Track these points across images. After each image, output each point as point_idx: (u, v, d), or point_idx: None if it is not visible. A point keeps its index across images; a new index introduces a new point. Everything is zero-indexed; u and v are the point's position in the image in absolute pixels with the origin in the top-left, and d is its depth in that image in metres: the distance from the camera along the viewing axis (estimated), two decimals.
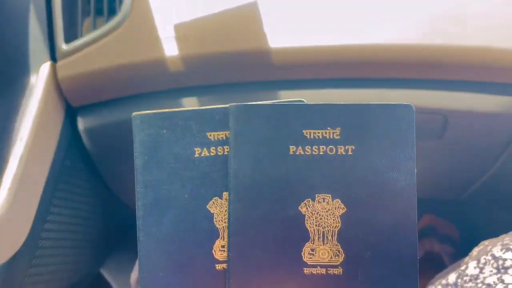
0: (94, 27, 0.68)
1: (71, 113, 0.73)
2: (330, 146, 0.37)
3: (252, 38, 0.62)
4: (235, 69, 0.65)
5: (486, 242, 0.54)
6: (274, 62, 0.63)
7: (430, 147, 0.73)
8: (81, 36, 0.68)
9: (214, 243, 0.38)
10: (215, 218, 0.38)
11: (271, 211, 0.37)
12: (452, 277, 0.54)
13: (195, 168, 0.38)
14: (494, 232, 0.59)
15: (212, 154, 0.38)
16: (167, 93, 0.70)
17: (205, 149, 0.38)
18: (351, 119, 0.37)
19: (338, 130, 0.37)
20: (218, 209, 0.38)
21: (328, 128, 0.37)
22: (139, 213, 0.38)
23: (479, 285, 0.49)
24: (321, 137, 0.37)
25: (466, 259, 0.55)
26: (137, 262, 0.89)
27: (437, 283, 0.56)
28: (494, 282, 0.48)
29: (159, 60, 0.64)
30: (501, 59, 0.60)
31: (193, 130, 0.38)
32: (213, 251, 0.38)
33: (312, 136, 0.37)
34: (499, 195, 0.86)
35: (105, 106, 0.72)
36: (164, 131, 0.38)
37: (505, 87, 0.64)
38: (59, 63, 0.68)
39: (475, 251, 0.55)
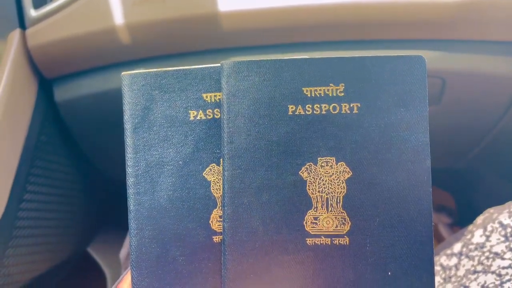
0: None
1: (45, 85, 0.68)
2: (333, 104, 0.33)
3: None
4: (221, 33, 0.61)
5: (491, 210, 0.52)
6: (273, 24, 0.59)
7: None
8: (52, 0, 0.63)
9: (211, 213, 0.35)
10: (212, 186, 0.35)
11: (269, 177, 0.34)
12: (457, 247, 0.51)
13: (190, 132, 0.35)
14: (492, 200, 0.56)
15: (209, 117, 0.35)
16: (149, 61, 0.65)
17: (200, 111, 0.35)
18: (356, 73, 0.33)
19: (341, 87, 0.33)
20: (216, 177, 0.35)
21: (331, 85, 0.33)
22: (129, 180, 0.35)
23: (486, 253, 0.47)
24: (323, 95, 0.33)
25: (470, 227, 0.52)
26: (127, 239, 0.86)
27: (441, 253, 0.53)
28: (502, 250, 0.45)
29: (136, 26, 0.60)
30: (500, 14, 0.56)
31: (187, 91, 0.35)
32: (210, 222, 0.35)
33: (313, 94, 0.34)
34: (497, 162, 0.83)
35: (83, 76, 0.68)
36: (156, 92, 0.35)
37: (507, 47, 0.61)
38: (29, 31, 0.64)
39: (479, 219, 0.52)
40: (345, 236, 0.33)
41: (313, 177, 0.34)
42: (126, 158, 0.36)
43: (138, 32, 0.61)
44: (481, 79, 0.63)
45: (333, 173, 0.33)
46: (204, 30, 0.60)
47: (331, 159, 0.33)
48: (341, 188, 0.33)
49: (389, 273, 0.33)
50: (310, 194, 0.34)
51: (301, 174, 0.34)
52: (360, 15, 0.57)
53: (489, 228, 0.48)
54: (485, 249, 0.47)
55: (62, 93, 0.69)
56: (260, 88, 0.34)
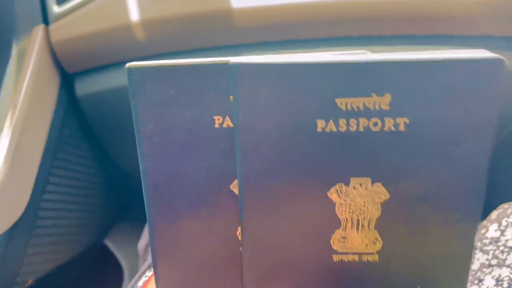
0: None
1: (67, 80, 0.70)
2: (375, 120, 0.27)
3: None
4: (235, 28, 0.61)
5: (505, 205, 0.52)
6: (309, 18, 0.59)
7: None
8: None
9: (237, 229, 0.32)
10: None
11: (291, 199, 0.29)
12: None
13: (214, 141, 0.30)
14: (506, 198, 0.56)
15: None
16: (169, 56, 0.66)
17: (227, 117, 0.29)
18: (407, 81, 0.26)
19: (387, 98, 0.26)
20: None
21: (373, 95, 0.26)
22: (145, 191, 0.31)
23: (501, 247, 0.47)
24: (361, 108, 0.27)
25: (484, 222, 0.53)
26: (144, 230, 0.88)
27: None
28: None
29: (154, 21, 0.61)
30: None
31: (210, 90, 0.28)
32: (237, 233, 0.32)
33: (349, 107, 0.27)
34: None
35: (103, 71, 0.69)
36: (173, 91, 0.29)
37: None
38: (52, 26, 0.65)
39: (493, 214, 0.53)
40: (375, 254, 0.30)
41: (343, 199, 0.29)
42: (141, 167, 0.30)
43: (156, 28, 0.62)
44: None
45: (367, 195, 0.29)
46: (219, 25, 0.61)
47: (365, 180, 0.28)
48: (375, 210, 0.29)
49: None
50: (339, 215, 0.30)
51: (329, 195, 0.29)
52: (381, 9, 0.57)
53: (503, 223, 0.49)
54: (499, 244, 0.48)
55: (83, 88, 0.70)
56: (282, 99, 0.27)
